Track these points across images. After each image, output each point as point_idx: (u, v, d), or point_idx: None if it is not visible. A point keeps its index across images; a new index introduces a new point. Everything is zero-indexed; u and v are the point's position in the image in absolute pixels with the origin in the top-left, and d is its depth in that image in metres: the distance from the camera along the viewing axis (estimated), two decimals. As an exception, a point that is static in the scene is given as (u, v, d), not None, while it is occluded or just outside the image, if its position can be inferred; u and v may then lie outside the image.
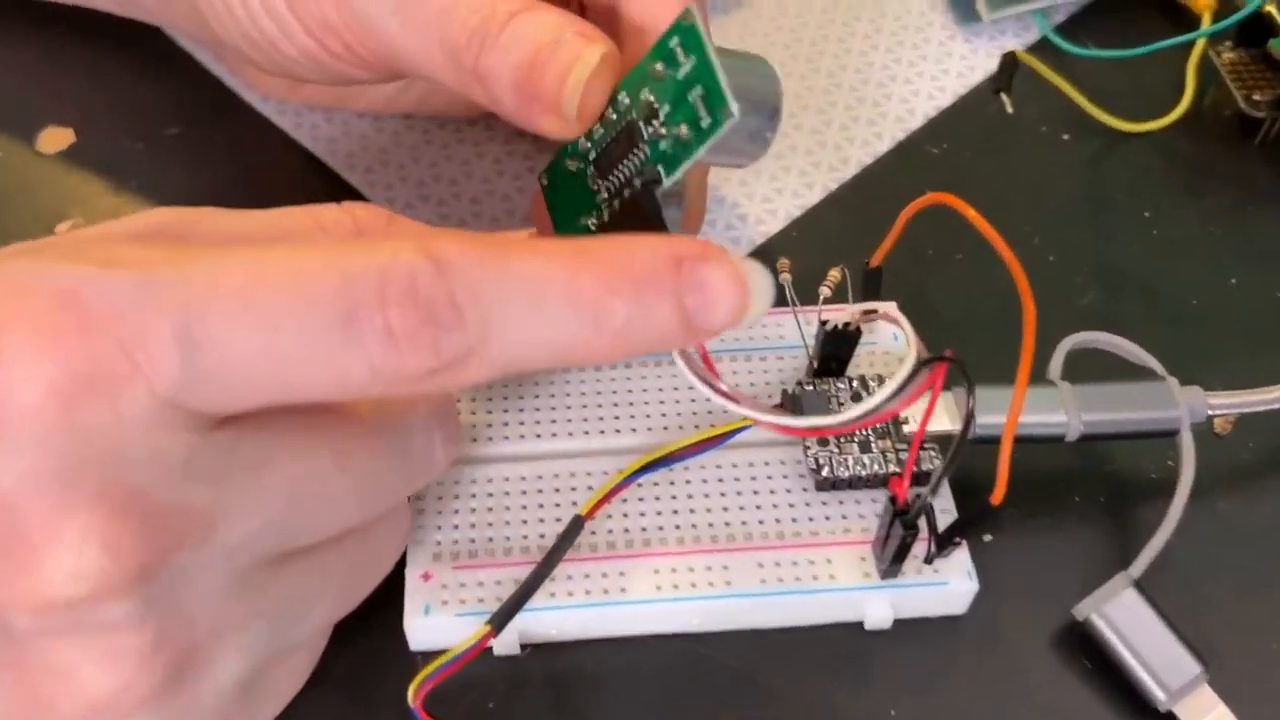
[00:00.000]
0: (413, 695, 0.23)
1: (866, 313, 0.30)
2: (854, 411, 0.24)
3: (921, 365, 0.24)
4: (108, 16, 0.36)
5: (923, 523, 0.27)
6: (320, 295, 0.19)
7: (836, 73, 0.39)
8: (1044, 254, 0.35)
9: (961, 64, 0.40)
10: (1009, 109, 0.33)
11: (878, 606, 0.27)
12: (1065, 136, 0.38)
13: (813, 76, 0.39)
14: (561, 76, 0.25)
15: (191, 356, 0.19)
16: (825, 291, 0.29)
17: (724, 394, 0.24)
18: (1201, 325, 0.34)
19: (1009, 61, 0.34)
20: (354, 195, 0.35)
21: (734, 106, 0.23)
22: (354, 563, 0.24)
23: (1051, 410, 0.28)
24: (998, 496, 0.25)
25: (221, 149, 0.37)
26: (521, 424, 0.29)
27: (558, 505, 0.28)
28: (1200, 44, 0.39)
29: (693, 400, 0.30)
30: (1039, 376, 0.30)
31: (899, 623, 0.28)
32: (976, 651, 0.28)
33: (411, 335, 0.19)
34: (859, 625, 0.28)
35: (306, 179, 0.36)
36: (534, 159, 0.36)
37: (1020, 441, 0.28)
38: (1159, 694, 0.26)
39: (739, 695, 0.27)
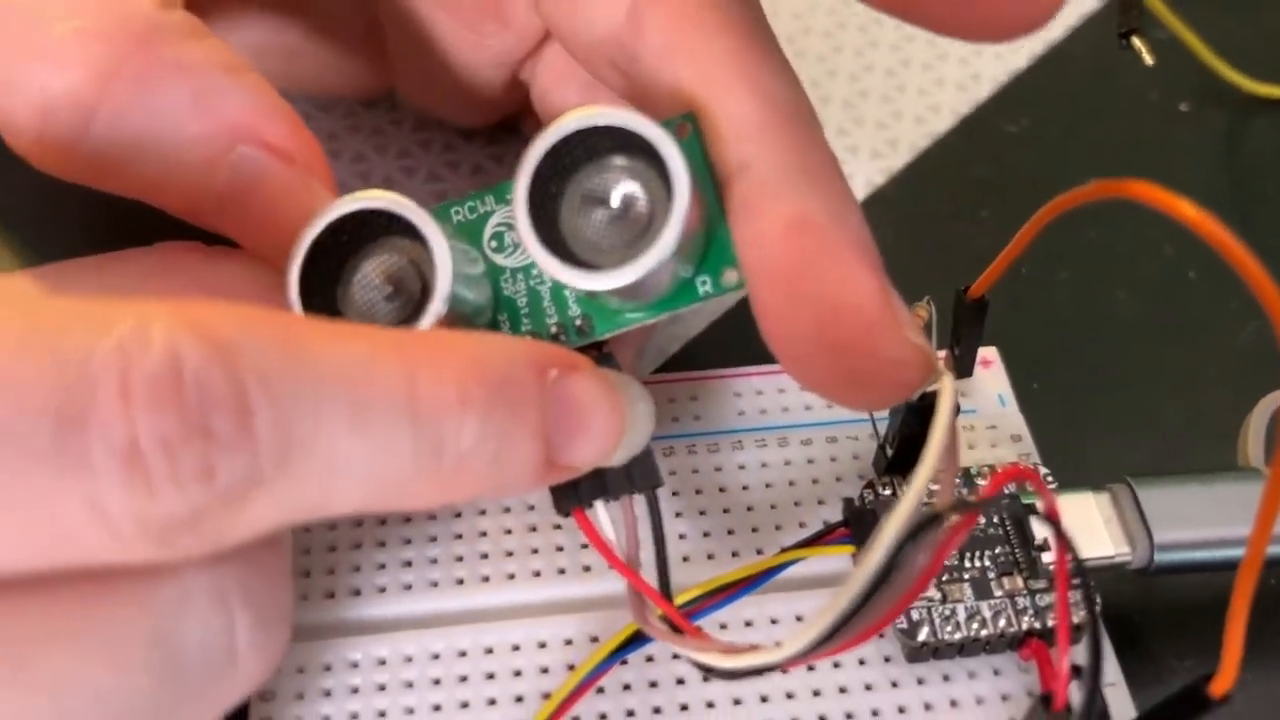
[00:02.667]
0: None
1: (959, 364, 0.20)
2: (812, 632, 0.14)
3: (926, 525, 0.14)
4: None
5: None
6: (16, 387, 0.12)
7: (870, 27, 0.29)
8: (1181, 270, 0.25)
9: (1034, 13, 0.30)
10: (1148, 59, 0.23)
11: None
12: (1183, 107, 0.28)
13: (840, 33, 0.29)
14: (287, 228, 0.16)
15: None
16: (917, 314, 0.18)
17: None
18: None
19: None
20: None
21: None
22: None
23: (1265, 518, 0.18)
24: (1222, 685, 0.15)
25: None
26: (432, 563, 0.18)
27: (492, 705, 0.17)
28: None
29: (702, 514, 0.19)
30: (1225, 461, 0.20)
31: None
32: None
33: (168, 451, 0.12)
34: None
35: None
36: (458, 150, 0.26)
37: (1209, 570, 0.18)
38: None
39: None
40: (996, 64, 0.29)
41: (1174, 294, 0.25)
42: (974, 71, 0.28)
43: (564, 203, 0.16)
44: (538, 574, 0.18)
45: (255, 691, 0.17)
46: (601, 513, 0.16)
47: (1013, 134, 0.28)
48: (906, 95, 0.28)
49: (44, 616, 0.13)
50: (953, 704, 0.17)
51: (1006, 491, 0.19)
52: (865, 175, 0.26)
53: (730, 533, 0.19)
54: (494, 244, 0.17)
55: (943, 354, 0.20)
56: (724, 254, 0.16)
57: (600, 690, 0.17)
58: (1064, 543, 0.14)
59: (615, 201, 0.15)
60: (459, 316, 0.16)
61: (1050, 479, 0.19)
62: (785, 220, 0.15)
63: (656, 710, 0.17)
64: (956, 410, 0.18)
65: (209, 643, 0.14)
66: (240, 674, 0.14)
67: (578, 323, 0.16)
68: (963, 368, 0.21)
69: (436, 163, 0.25)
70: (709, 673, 0.15)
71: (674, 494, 0.19)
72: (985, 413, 0.21)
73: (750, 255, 0.16)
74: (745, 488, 0.20)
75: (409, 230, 0.15)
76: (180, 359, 0.12)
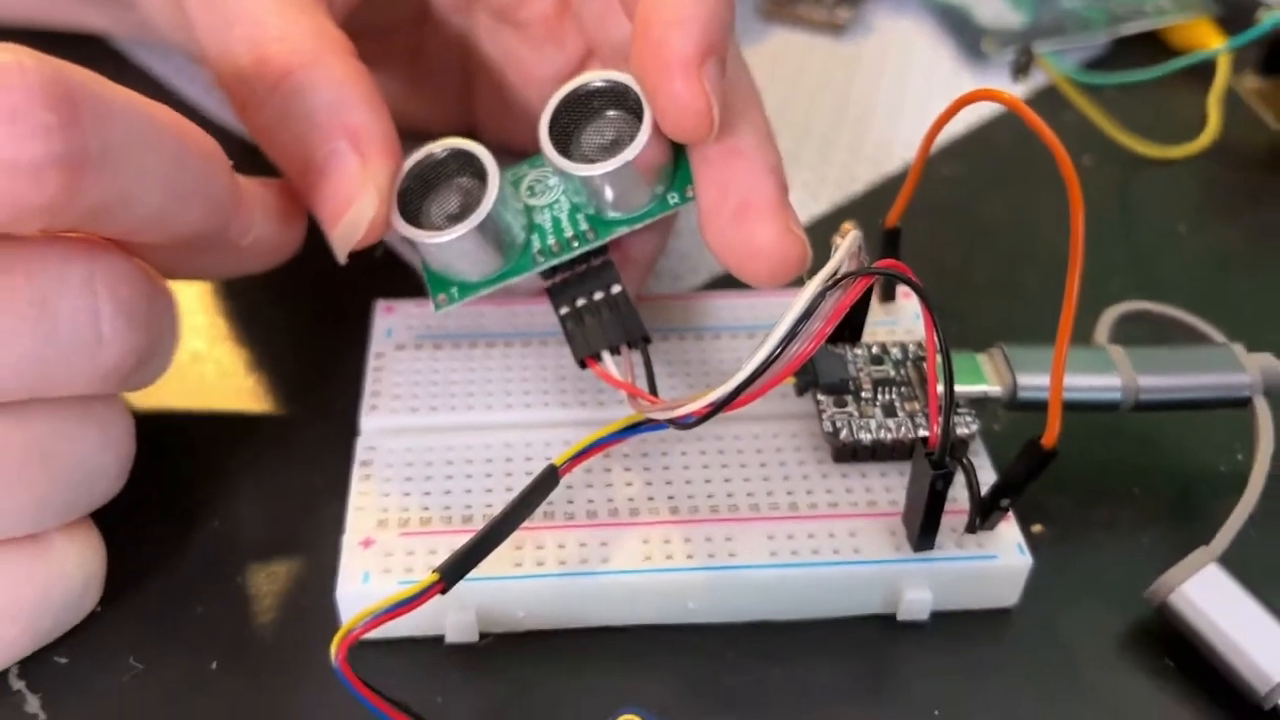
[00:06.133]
0: (335, 651, 0.18)
1: (884, 290, 0.27)
2: (755, 359, 0.20)
3: (834, 282, 0.20)
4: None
5: (962, 495, 0.23)
6: None
7: (840, 106, 0.37)
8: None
9: (971, 99, 0.38)
10: (1025, 80, 0.31)
11: (913, 587, 0.22)
12: (1087, 162, 0.36)
13: (816, 111, 0.37)
14: (337, 208, 0.23)
15: None
16: (837, 241, 0.25)
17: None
18: (1257, 325, 0.30)
19: (1025, 53, 0.32)
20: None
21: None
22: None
23: (1104, 373, 0.25)
24: (1050, 438, 0.21)
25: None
26: (489, 394, 0.25)
27: (529, 475, 0.23)
28: (1221, 71, 0.37)
29: (705, 373, 0.26)
30: (1084, 340, 0.27)
31: (938, 618, 0.23)
32: (1032, 655, 0.23)
33: (14, 112, 0.17)
34: (890, 620, 0.23)
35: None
36: (518, 167, 0.34)
37: (1071, 409, 0.24)
38: (1261, 686, 0.21)
39: (746, 700, 0.22)
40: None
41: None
42: (921, 133, 0.36)
43: (575, 133, 0.23)
44: (567, 405, 0.25)
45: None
46: (609, 360, 0.23)
47: (950, 177, 0.35)
48: (865, 146, 0.36)
49: None
50: (867, 490, 0.24)
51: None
52: (830, 197, 0.34)
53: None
54: (528, 192, 0.24)
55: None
56: (686, 177, 0.23)
57: (608, 468, 0.24)
58: (924, 303, 0.21)
59: (609, 133, 0.23)
60: (503, 230, 0.23)
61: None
62: (721, 149, 0.22)
63: (648, 483, 0.23)
64: (860, 247, 0.24)
65: (77, 317, 0.19)
66: (105, 353, 0.19)
67: (587, 233, 0.24)
68: (886, 292, 0.28)
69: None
70: (682, 425, 0.22)
71: (666, 363, 0.26)
72: (904, 325, 0.27)
73: (698, 172, 0.23)
74: (723, 362, 0.26)
75: (479, 166, 0.23)
76: (25, 67, 0.17)
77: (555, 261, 0.24)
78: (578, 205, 0.24)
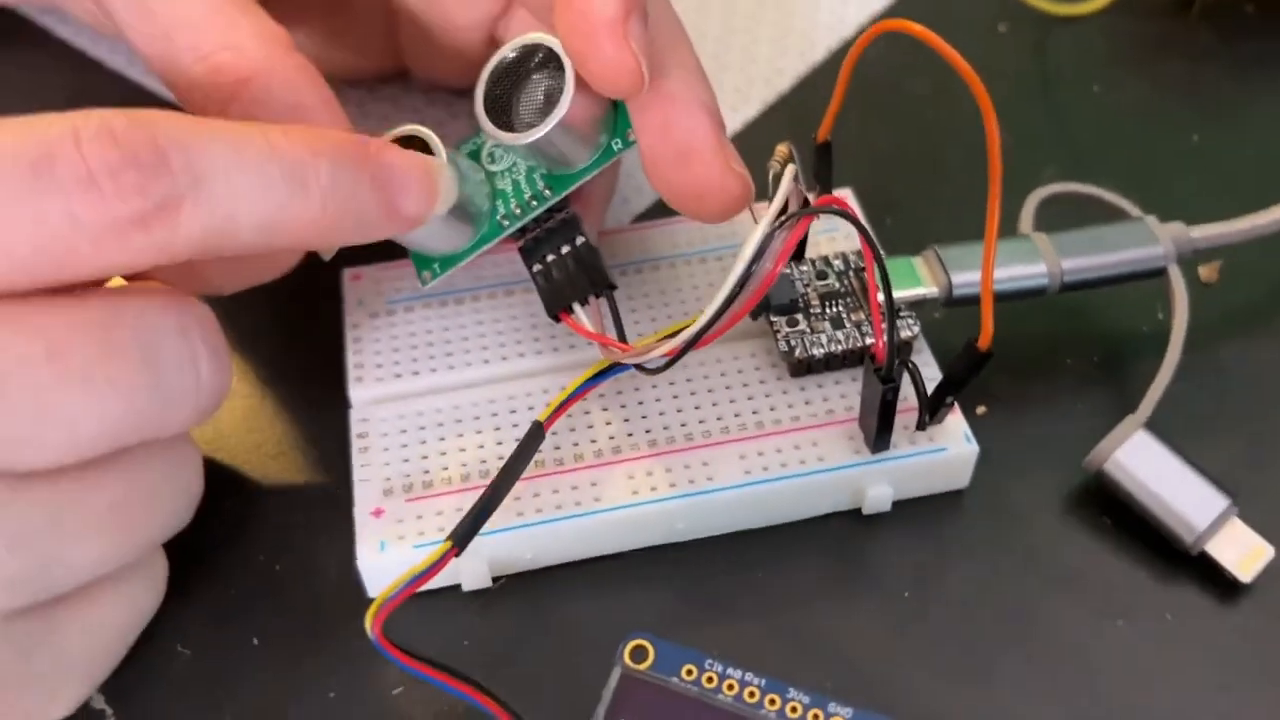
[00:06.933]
0: (370, 623, 0.21)
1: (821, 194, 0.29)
2: (714, 305, 0.22)
3: (781, 222, 0.22)
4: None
5: (910, 393, 0.25)
6: (5, 148, 0.18)
7: (760, 1, 0.38)
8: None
9: (887, -27, 0.38)
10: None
11: (874, 484, 0.25)
12: (1002, 28, 0.37)
13: (736, 10, 0.38)
14: None
15: None
16: (775, 167, 0.27)
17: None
18: (1169, 185, 0.32)
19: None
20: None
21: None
22: (119, 497, 0.21)
23: (1030, 262, 0.26)
24: (985, 340, 0.23)
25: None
26: (467, 351, 0.27)
27: (515, 427, 0.26)
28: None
29: (666, 303, 0.28)
30: (1010, 232, 0.28)
31: (900, 506, 0.25)
32: (987, 526, 0.25)
33: (113, 174, 0.18)
34: (856, 514, 0.25)
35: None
36: (454, 106, 0.34)
37: (1002, 299, 0.26)
38: (1187, 535, 0.24)
39: (737, 605, 0.24)
40: (860, 11, 0.37)
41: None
42: (841, 16, 0.37)
43: (511, 102, 0.24)
44: (539, 352, 0.27)
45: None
46: (579, 311, 0.25)
47: (874, 56, 0.36)
48: (791, 36, 0.36)
49: (71, 311, 0.19)
50: (824, 400, 0.26)
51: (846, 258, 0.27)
52: (761, 97, 0.35)
53: (669, 318, 0.27)
54: (489, 159, 0.25)
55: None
56: (626, 122, 0.24)
57: (586, 411, 0.26)
58: (864, 239, 0.23)
59: (540, 94, 0.24)
60: (465, 201, 0.24)
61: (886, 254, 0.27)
62: (654, 94, 0.23)
63: (625, 420, 0.25)
64: (797, 177, 0.25)
65: (181, 363, 0.20)
66: (200, 395, 0.21)
67: (544, 191, 0.25)
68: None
69: (441, 114, 0.34)
70: (653, 371, 0.23)
71: (629, 298, 0.28)
72: (844, 229, 0.29)
73: (637, 120, 0.24)
74: (681, 290, 0.28)
75: (432, 150, 0.24)
76: (112, 124, 0.18)
77: (520, 224, 0.25)
78: (532, 167, 0.25)
